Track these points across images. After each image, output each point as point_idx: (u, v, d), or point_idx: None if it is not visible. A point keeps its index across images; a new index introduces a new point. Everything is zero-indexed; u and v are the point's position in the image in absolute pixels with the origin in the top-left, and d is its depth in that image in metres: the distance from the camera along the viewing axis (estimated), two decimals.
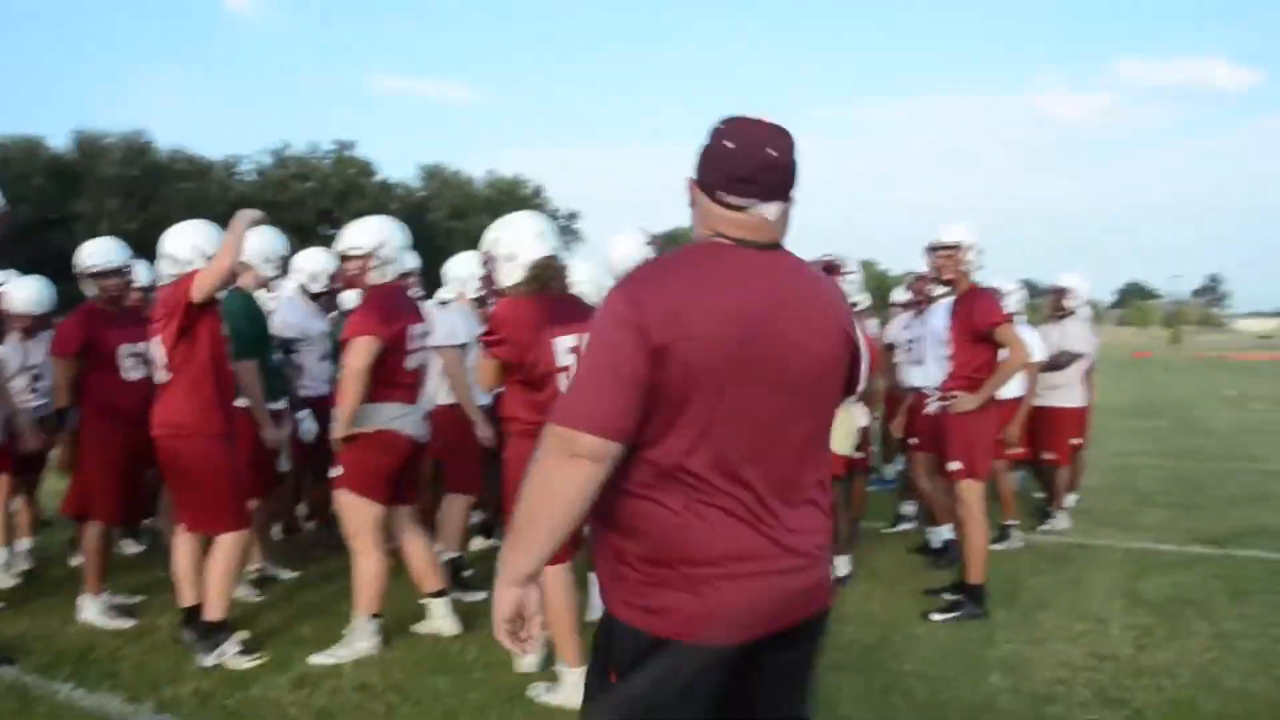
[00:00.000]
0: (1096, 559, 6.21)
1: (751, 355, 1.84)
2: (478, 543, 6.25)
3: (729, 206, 1.91)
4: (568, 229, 51.88)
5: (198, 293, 4.13)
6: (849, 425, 5.52)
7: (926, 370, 6.32)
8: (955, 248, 5.06)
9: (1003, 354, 5.02)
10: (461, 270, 5.72)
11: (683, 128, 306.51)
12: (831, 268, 5.57)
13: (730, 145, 1.91)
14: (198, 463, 4.21)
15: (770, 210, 1.92)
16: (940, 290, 5.81)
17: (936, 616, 4.95)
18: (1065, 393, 7.01)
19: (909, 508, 7.11)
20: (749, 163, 1.90)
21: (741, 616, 1.88)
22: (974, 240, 5.08)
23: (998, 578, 5.21)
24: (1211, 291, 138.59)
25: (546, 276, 3.87)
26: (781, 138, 1.92)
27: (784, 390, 1.89)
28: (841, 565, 5.60)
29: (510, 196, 53.55)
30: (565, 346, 3.72)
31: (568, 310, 3.83)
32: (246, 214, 4.22)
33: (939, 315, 5.95)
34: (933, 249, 5.14)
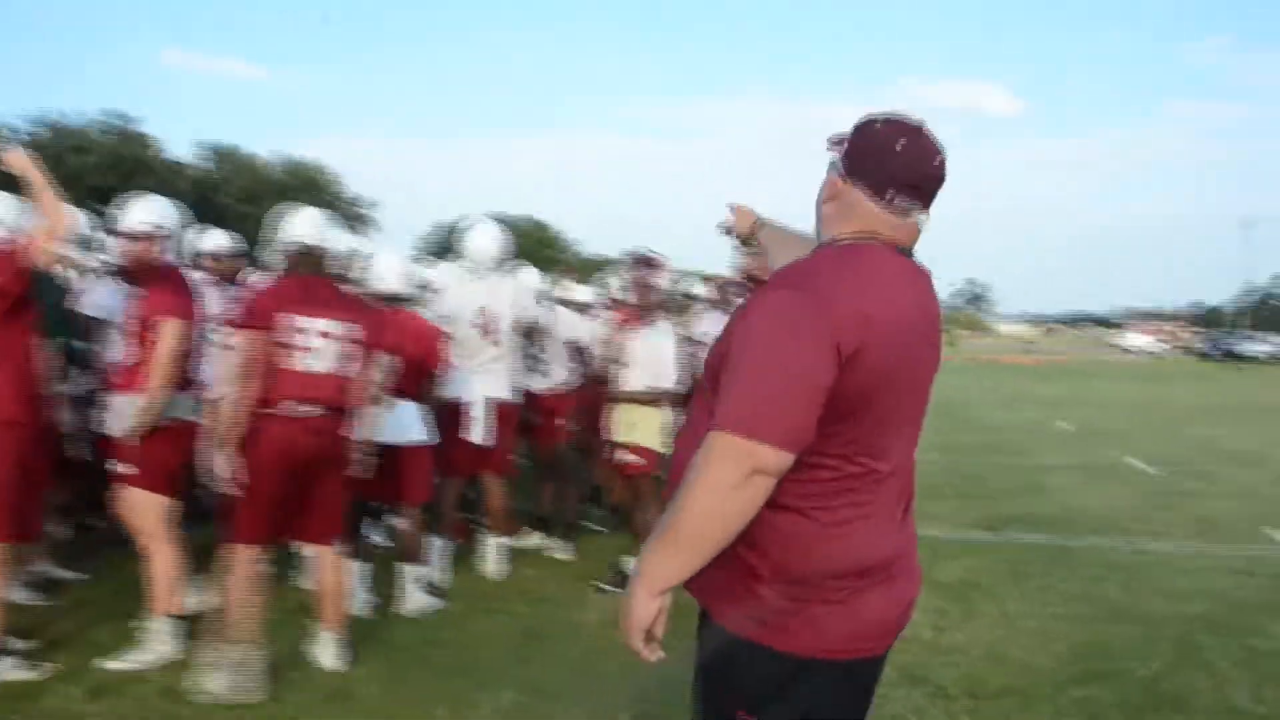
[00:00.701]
0: None
1: (906, 361, 1.80)
2: None
3: (894, 210, 1.82)
4: (366, 217, 50.34)
5: (42, 258, 3.80)
6: (663, 422, 5.60)
7: None
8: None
9: None
10: None
11: (487, 122, 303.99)
12: (651, 263, 5.64)
13: (902, 148, 1.83)
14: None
15: (923, 219, 1.86)
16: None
17: None
18: None
19: None
20: (921, 169, 1.84)
21: (889, 624, 1.85)
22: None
23: None
24: (977, 299, 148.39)
25: (305, 261, 4.06)
26: (941, 149, 1.88)
27: (916, 396, 1.88)
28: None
29: (307, 183, 51.54)
30: (315, 329, 3.92)
31: (322, 295, 4.01)
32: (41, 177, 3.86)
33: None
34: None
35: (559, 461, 6.49)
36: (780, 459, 1.66)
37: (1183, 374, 36.36)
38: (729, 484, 1.66)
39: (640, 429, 5.50)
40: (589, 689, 3.96)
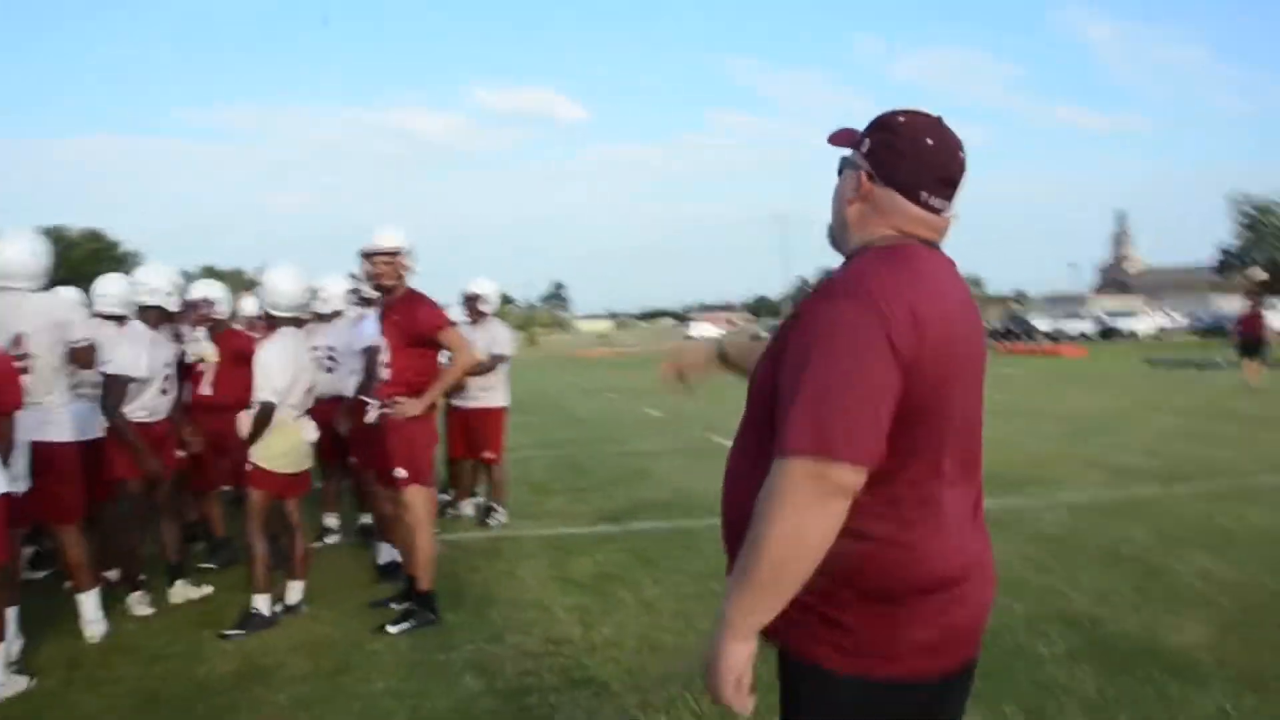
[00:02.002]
0: (521, 550, 6.56)
1: (961, 361, 1.74)
2: None
3: (927, 208, 1.78)
4: None
5: None
6: (296, 440, 5.19)
7: (345, 380, 6.19)
8: (396, 253, 5.00)
9: (443, 358, 5.08)
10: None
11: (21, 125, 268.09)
12: (252, 284, 5.23)
13: (931, 144, 1.77)
14: None
15: (952, 213, 1.81)
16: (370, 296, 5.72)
17: (392, 629, 4.85)
18: (496, 394, 7.36)
19: (331, 520, 6.94)
20: (951, 164, 1.78)
21: (974, 631, 1.81)
22: (410, 245, 5.07)
23: (439, 581, 5.21)
24: (557, 297, 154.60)
25: None
26: (960, 141, 1.81)
27: (972, 395, 1.82)
28: (294, 591, 5.26)
29: None
30: None
31: None
32: None
33: (366, 324, 5.86)
34: (369, 254, 5.02)
35: (167, 498, 5.73)
36: (857, 476, 1.59)
37: None
38: (808, 509, 1.58)
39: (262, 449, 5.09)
40: None
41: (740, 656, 1.66)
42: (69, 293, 6.12)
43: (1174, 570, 5.50)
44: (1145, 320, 52.69)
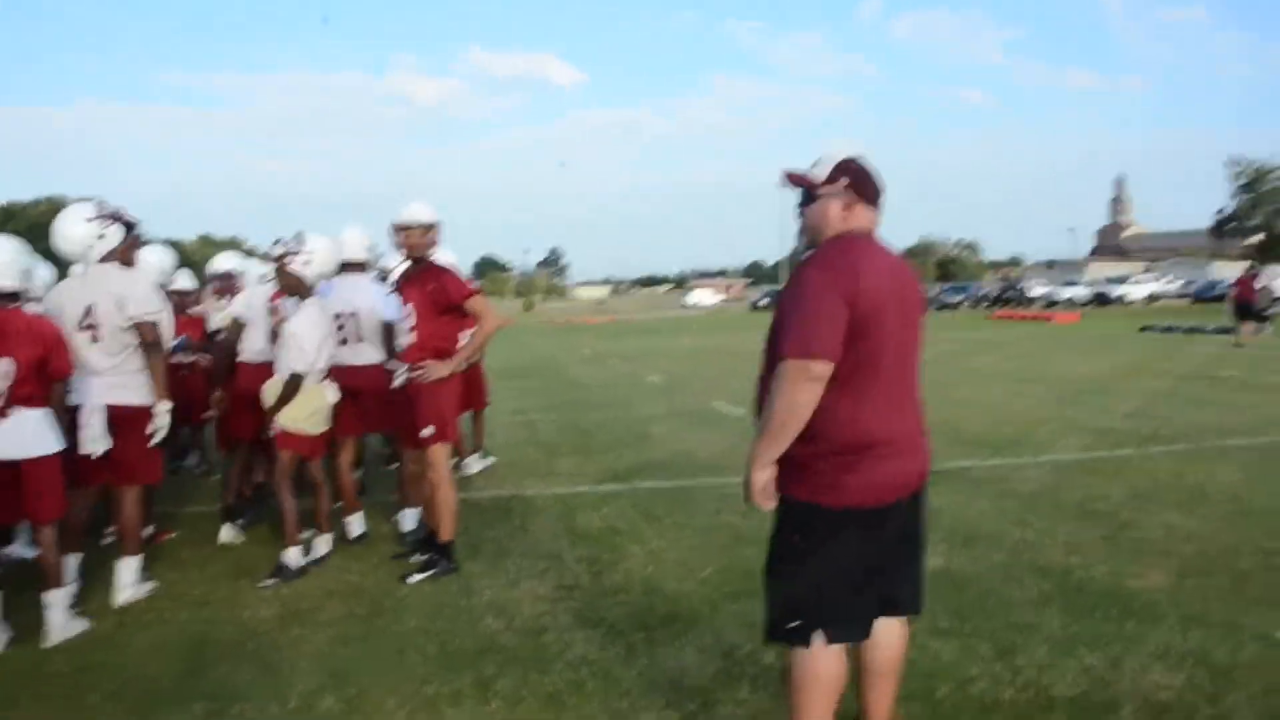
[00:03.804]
0: (532, 507, 6.96)
1: (895, 298, 2.81)
2: None
3: (873, 210, 2.96)
4: None
5: None
6: (320, 403, 5.56)
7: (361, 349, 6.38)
8: (431, 227, 5.36)
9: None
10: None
11: (20, 88, 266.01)
12: (299, 241, 5.58)
13: (874, 172, 2.97)
14: None
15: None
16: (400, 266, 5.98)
17: (415, 577, 5.24)
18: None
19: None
20: (879, 180, 2.99)
21: (897, 483, 2.88)
22: (440, 219, 5.42)
23: (456, 536, 5.57)
24: (554, 264, 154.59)
25: None
26: None
27: (909, 324, 2.90)
28: (323, 544, 5.66)
29: None
30: None
31: None
32: None
33: (380, 291, 6.17)
34: (404, 227, 5.38)
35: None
36: (825, 368, 2.69)
37: (742, 324, 40.40)
38: (797, 388, 2.70)
39: (289, 412, 5.46)
40: (284, 685, 3.94)
41: (765, 476, 2.81)
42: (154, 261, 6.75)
43: (1142, 524, 5.88)
44: (1141, 287, 52.90)
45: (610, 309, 69.87)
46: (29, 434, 4.43)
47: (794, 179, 3.01)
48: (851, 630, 2.92)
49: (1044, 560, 5.23)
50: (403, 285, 5.50)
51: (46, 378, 4.51)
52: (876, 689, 3.13)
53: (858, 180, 2.93)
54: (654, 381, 16.21)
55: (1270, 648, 3.94)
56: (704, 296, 74.63)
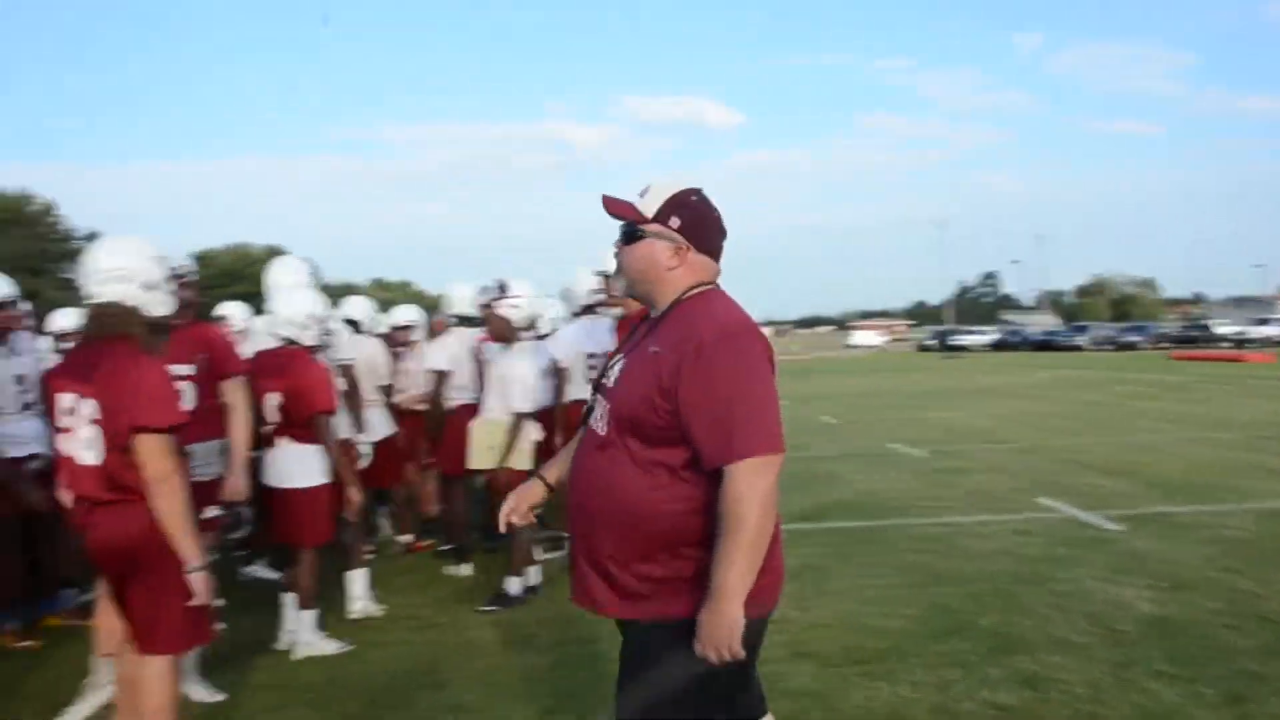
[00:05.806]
0: None
1: None
2: None
3: (718, 260, 2.42)
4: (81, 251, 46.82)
5: None
6: (528, 442, 5.82)
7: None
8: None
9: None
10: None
11: (208, 145, 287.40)
12: (504, 289, 5.85)
13: (715, 215, 2.40)
14: None
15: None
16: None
17: None
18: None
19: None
20: (723, 225, 2.43)
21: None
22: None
23: None
24: None
25: (102, 322, 3.19)
26: None
27: None
28: (533, 574, 5.93)
29: (13, 215, 47.34)
30: (63, 406, 3.13)
31: (83, 363, 3.16)
32: None
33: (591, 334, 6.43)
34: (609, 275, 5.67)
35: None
36: (781, 458, 2.21)
37: (908, 366, 39.70)
38: (770, 490, 2.16)
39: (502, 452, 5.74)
40: (521, 702, 4.20)
41: (741, 615, 2.15)
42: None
43: None
44: None
45: (778, 349, 69.57)
46: (297, 467, 4.87)
47: (613, 208, 2.38)
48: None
49: (1265, 609, 5.04)
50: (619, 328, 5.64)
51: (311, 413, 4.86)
52: None
53: (693, 223, 2.35)
54: (828, 421, 16.16)
55: None
56: (868, 337, 73.50)
